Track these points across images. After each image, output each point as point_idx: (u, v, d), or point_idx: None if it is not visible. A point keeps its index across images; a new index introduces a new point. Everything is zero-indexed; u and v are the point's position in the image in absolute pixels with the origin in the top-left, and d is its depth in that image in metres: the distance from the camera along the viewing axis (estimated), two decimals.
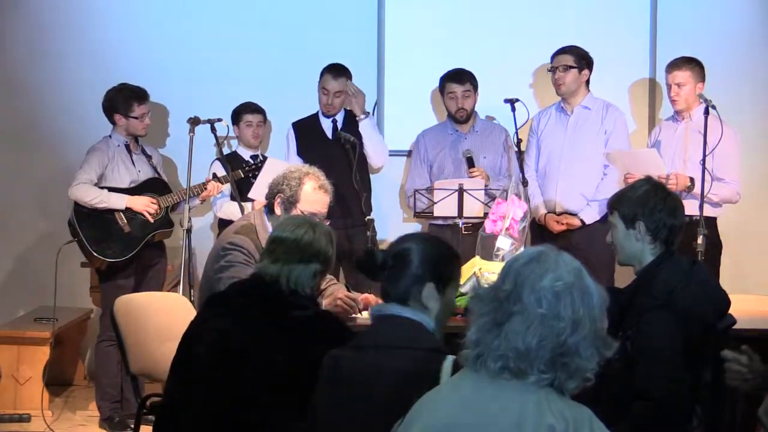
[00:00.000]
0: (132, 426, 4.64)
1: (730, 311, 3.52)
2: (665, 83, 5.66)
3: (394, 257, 2.74)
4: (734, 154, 5.52)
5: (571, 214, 5.67)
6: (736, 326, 3.59)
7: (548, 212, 5.71)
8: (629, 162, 5.43)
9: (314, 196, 4.25)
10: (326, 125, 6.00)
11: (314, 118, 6.06)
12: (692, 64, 5.56)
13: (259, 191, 5.66)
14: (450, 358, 2.53)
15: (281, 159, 5.94)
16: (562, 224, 5.65)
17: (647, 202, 3.43)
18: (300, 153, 5.92)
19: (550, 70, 5.78)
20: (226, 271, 4.02)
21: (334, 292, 4.30)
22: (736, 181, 5.55)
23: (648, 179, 3.56)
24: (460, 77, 5.90)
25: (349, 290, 4.33)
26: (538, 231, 5.75)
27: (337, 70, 5.93)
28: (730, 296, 3.53)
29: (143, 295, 4.94)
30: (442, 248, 2.82)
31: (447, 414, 2.10)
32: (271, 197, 4.29)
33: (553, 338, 2.06)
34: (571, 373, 2.08)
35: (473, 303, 2.17)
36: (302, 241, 3.30)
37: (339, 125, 5.97)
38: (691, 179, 5.36)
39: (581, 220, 5.64)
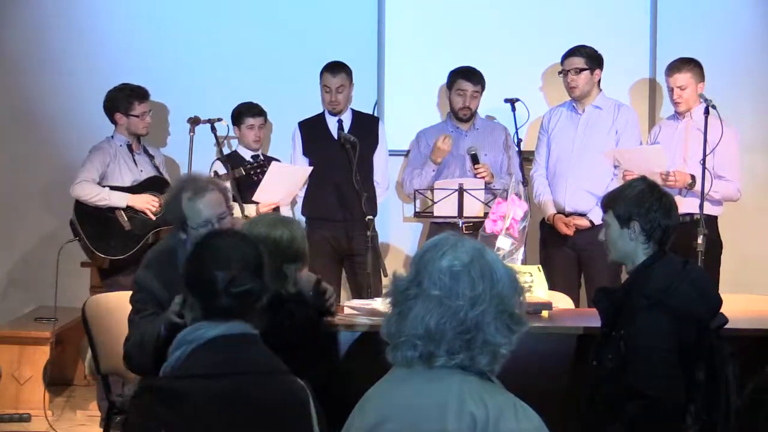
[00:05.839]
0: None
1: (733, 311, 3.53)
2: (666, 86, 5.64)
3: None
4: (734, 151, 5.52)
5: (580, 214, 5.61)
6: (737, 326, 3.60)
7: (557, 212, 5.66)
8: (633, 159, 5.40)
9: (196, 205, 3.79)
10: (332, 125, 5.98)
11: (320, 117, 6.04)
12: (691, 65, 5.54)
13: (263, 194, 5.67)
14: None
15: (286, 159, 6.00)
16: (571, 227, 5.58)
17: (643, 202, 3.44)
18: (306, 153, 5.92)
19: (560, 73, 5.69)
20: None
21: None
22: (737, 178, 5.54)
23: (643, 179, 3.57)
24: (472, 76, 5.84)
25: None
26: (547, 232, 5.72)
27: (334, 67, 5.92)
28: (733, 296, 3.53)
29: (114, 294, 4.87)
30: None
31: (375, 413, 2.12)
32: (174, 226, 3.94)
33: (451, 316, 2.07)
34: (479, 349, 2.08)
35: (386, 298, 2.19)
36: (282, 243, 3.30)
37: (345, 125, 5.96)
38: (692, 177, 5.36)
39: (590, 221, 5.55)
